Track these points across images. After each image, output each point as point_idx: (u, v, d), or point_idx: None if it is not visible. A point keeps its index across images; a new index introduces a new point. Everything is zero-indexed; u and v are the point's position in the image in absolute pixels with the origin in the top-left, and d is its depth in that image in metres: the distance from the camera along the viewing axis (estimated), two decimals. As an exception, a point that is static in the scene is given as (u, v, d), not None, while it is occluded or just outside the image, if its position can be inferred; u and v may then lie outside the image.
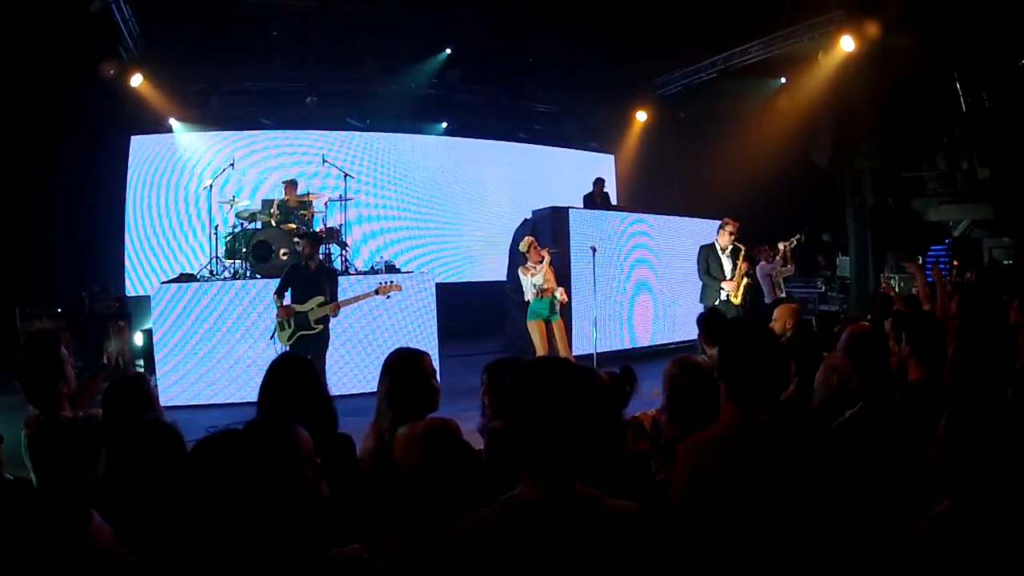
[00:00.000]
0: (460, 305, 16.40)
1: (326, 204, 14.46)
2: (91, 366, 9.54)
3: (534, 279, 11.79)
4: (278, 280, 10.55)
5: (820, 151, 18.39)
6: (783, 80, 17.90)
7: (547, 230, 14.60)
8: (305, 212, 13.55)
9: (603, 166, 21.27)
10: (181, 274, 13.44)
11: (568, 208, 14.96)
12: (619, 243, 15.49)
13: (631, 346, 15.44)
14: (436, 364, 4.50)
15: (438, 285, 13.47)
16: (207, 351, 11.90)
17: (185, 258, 16.89)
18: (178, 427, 3.59)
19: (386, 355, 4.40)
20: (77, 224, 15.81)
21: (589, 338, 13.77)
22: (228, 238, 13.34)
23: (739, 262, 12.13)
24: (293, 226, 13.04)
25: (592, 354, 13.26)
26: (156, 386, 10.29)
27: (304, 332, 10.28)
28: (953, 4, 14.83)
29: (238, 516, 2.17)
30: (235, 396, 11.53)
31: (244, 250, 12.79)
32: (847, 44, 15.17)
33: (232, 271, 13.13)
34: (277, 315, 10.39)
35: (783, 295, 14.07)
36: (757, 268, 14.10)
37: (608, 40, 18.05)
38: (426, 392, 4.20)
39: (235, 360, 11.90)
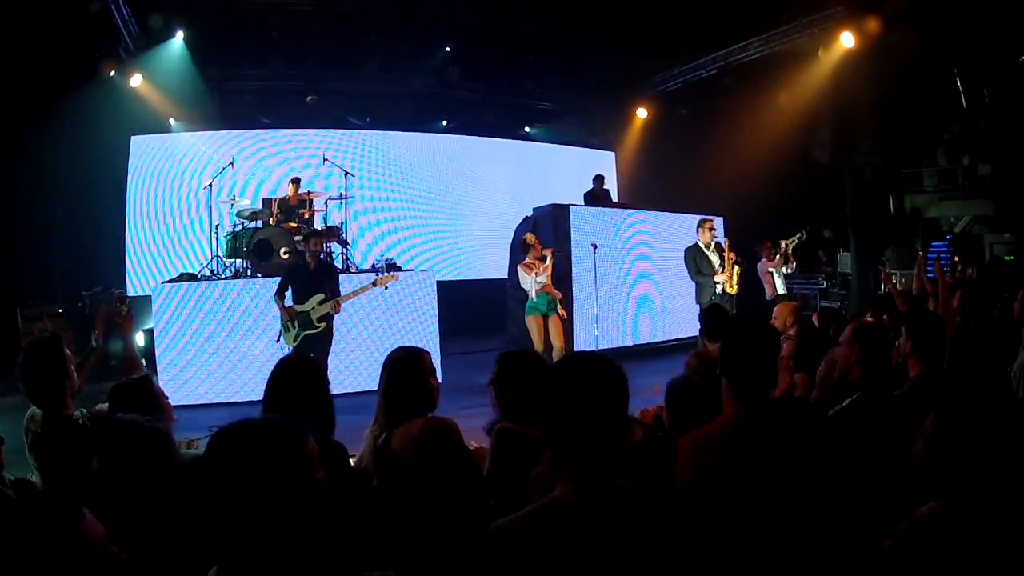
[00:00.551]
0: (461, 302, 16.41)
1: (327, 202, 14.46)
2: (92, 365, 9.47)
3: (539, 278, 11.86)
4: (279, 279, 10.59)
5: (821, 147, 18.39)
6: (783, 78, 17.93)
7: (548, 227, 14.61)
8: (305, 211, 13.56)
9: (603, 163, 21.28)
10: (182, 273, 13.48)
11: (569, 205, 14.99)
12: (620, 240, 15.51)
13: (632, 343, 15.44)
14: (437, 362, 4.50)
15: (439, 283, 13.52)
16: (208, 350, 11.92)
17: (186, 257, 16.90)
18: (165, 428, 3.59)
19: (387, 353, 4.41)
20: (78, 224, 15.78)
21: (590, 335, 13.78)
22: (229, 237, 13.34)
23: (725, 253, 12.25)
24: (294, 225, 13.06)
25: (593, 351, 13.26)
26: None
27: (308, 332, 10.32)
28: (953, 0, 14.83)
29: (254, 512, 2.16)
30: (236, 395, 11.57)
31: (245, 249, 12.79)
32: (847, 40, 15.14)
33: (233, 270, 13.14)
34: (281, 317, 10.41)
35: (783, 292, 14.05)
36: (758, 265, 14.11)
37: (608, 37, 18.05)
38: (423, 391, 4.18)
39: (236, 359, 11.92)
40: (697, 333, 8.08)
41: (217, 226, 13.62)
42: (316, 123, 18.51)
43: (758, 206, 15.37)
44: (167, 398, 4.53)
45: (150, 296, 12.83)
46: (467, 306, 16.94)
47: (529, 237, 12.30)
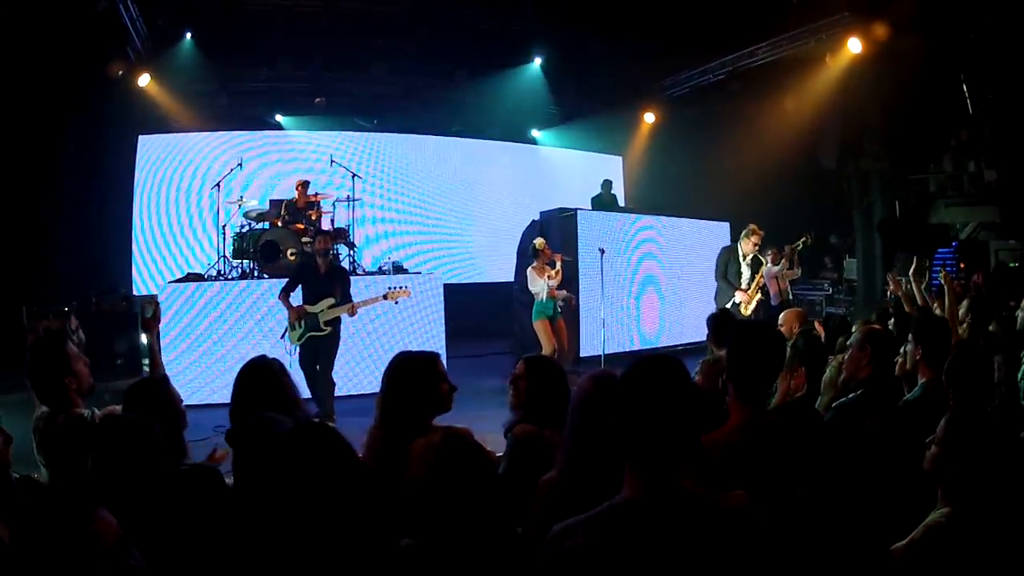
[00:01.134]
0: (467, 306, 16.40)
1: (334, 204, 14.46)
2: (98, 364, 9.50)
3: (551, 281, 11.90)
4: (285, 280, 10.60)
5: (827, 153, 18.37)
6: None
7: (555, 231, 14.62)
8: (313, 212, 13.57)
9: (611, 167, 21.28)
10: (189, 273, 13.51)
11: (576, 210, 14.98)
12: (627, 244, 15.51)
13: (639, 347, 15.43)
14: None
15: (445, 286, 13.52)
16: (215, 350, 11.94)
17: (193, 257, 16.94)
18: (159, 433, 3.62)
19: (391, 356, 4.38)
20: (84, 223, 15.84)
21: (597, 339, 13.79)
22: (236, 238, 13.37)
23: (758, 276, 12.16)
24: (301, 226, 13.07)
25: (600, 355, 13.28)
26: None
27: (314, 333, 10.32)
28: (960, 6, 14.80)
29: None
30: (242, 395, 11.55)
31: (252, 250, 12.83)
32: (855, 46, 15.12)
33: (240, 271, 13.17)
34: (288, 316, 10.42)
35: (789, 298, 14.02)
36: (763, 270, 14.09)
37: (615, 41, 18.03)
38: (419, 400, 4.14)
39: (243, 359, 11.86)
40: (704, 338, 8.05)
41: (224, 226, 13.65)
42: (324, 125, 18.57)
43: (765, 211, 15.32)
44: (182, 402, 4.54)
45: (156, 296, 12.86)
46: (473, 309, 16.94)
47: (539, 242, 12.33)
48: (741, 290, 12.20)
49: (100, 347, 13.11)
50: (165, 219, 17.48)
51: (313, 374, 10.32)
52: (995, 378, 4.53)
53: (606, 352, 13.38)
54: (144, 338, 6.44)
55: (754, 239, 12.23)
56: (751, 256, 12.29)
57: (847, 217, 18.77)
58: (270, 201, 14.37)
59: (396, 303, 11.05)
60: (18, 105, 13.68)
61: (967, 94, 16.45)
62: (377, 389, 4.20)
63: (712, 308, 12.07)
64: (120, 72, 14.87)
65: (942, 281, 8.18)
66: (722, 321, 7.61)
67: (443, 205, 19.85)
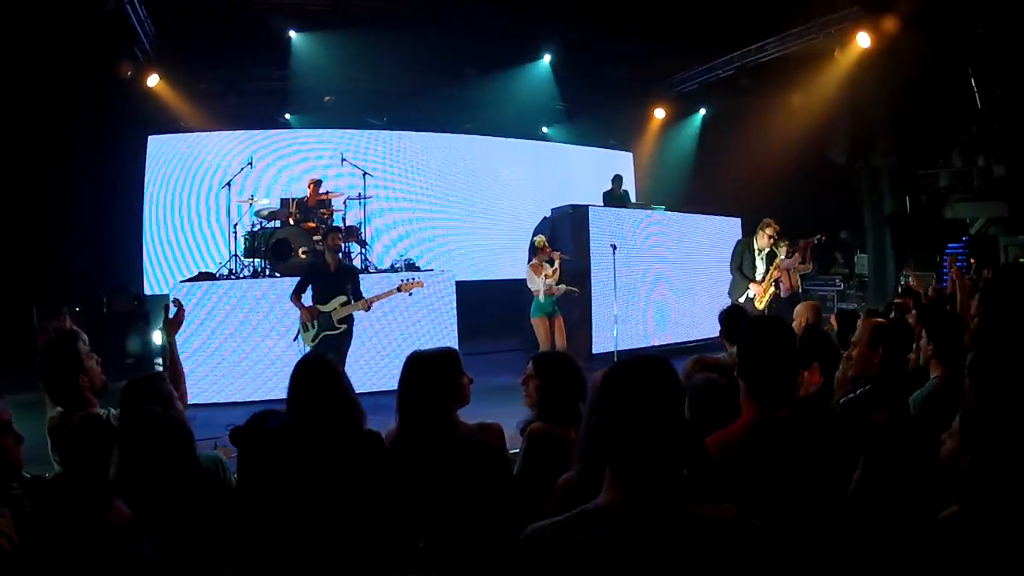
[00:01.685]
0: (479, 303, 16.38)
1: (345, 203, 14.48)
2: (109, 364, 9.53)
3: (548, 280, 11.97)
4: (297, 279, 10.62)
5: (837, 148, 18.32)
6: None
7: (566, 228, 14.64)
8: (324, 211, 13.59)
9: (622, 163, 21.28)
10: (200, 273, 13.54)
11: (587, 206, 14.94)
12: (638, 240, 15.48)
13: (651, 344, 15.41)
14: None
15: (457, 283, 13.54)
16: (226, 349, 11.99)
17: (204, 256, 16.99)
18: (189, 423, 3.65)
19: (406, 354, 4.42)
20: (95, 223, 15.89)
21: (610, 336, 13.78)
22: (247, 236, 13.39)
23: (772, 268, 12.14)
24: (312, 224, 13.09)
25: (612, 352, 13.28)
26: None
27: (328, 332, 10.32)
28: (968, 0, 14.76)
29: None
30: (255, 394, 11.61)
31: (263, 248, 12.85)
32: (863, 41, 15.10)
33: (251, 269, 13.19)
34: (300, 317, 10.43)
35: (799, 292, 13.99)
36: (777, 261, 14.06)
37: (625, 37, 18.02)
38: (439, 393, 4.19)
39: (255, 358, 11.96)
40: (716, 334, 8.02)
41: (235, 225, 13.68)
42: (334, 123, 18.57)
43: (774, 206, 15.25)
44: (176, 398, 4.54)
45: (168, 295, 12.88)
46: (485, 306, 16.92)
47: (539, 240, 12.36)
48: (755, 283, 12.20)
49: (111, 347, 13.10)
50: (176, 219, 17.52)
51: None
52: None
53: (619, 348, 13.37)
54: (162, 338, 6.44)
55: (769, 232, 12.22)
56: (767, 250, 12.28)
57: (858, 212, 18.74)
58: (281, 199, 14.37)
59: (410, 295, 11.07)
60: (28, 106, 13.73)
61: (976, 89, 16.39)
62: (388, 386, 4.23)
63: (724, 303, 12.02)
64: (129, 73, 14.89)
65: (953, 276, 8.17)
66: (733, 317, 7.59)
67: (454, 202, 19.84)
